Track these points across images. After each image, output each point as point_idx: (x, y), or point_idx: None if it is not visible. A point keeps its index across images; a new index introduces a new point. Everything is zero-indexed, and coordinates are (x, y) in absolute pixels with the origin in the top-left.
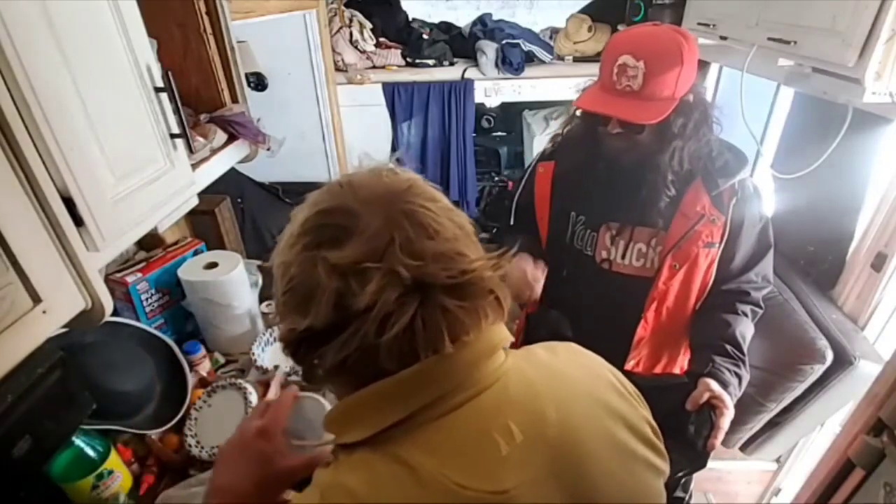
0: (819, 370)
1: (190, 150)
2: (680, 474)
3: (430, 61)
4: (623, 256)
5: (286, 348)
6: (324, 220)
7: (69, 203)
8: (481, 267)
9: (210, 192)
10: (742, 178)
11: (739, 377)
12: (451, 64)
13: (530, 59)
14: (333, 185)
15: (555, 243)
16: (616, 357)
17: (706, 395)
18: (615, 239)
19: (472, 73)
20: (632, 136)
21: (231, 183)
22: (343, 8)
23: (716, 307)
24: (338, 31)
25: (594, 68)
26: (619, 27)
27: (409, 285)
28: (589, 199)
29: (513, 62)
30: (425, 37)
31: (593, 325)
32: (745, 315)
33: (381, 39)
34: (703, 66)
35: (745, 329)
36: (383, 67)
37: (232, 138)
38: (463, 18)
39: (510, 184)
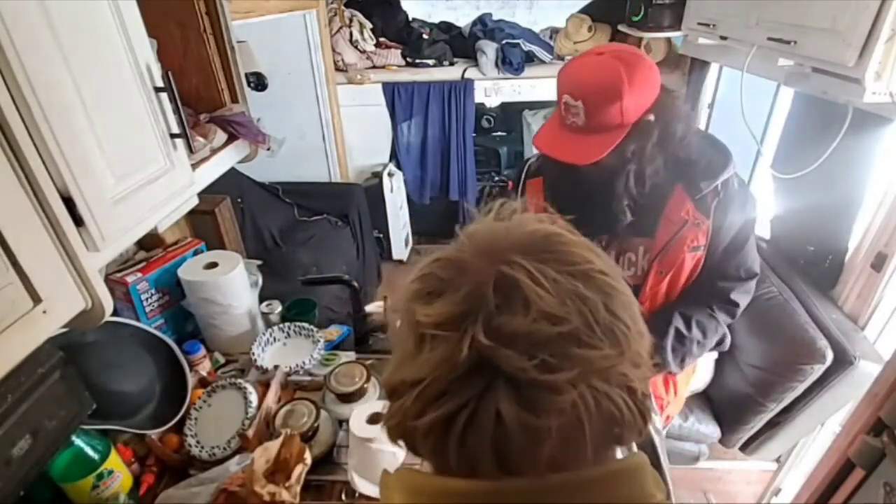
0: (819, 370)
1: (190, 150)
2: None
3: (430, 61)
4: (622, 266)
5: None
6: (432, 270)
7: (69, 203)
8: (593, 369)
9: (210, 192)
10: (725, 178)
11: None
12: (451, 64)
13: (530, 59)
14: (468, 228)
15: None
16: None
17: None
18: (606, 251)
19: (472, 73)
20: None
21: (231, 183)
22: (343, 8)
23: (686, 305)
24: (338, 31)
25: None
26: (620, 27)
27: (471, 366)
28: (577, 213)
29: (513, 62)
30: (425, 37)
31: None
32: (711, 310)
33: (381, 39)
34: (702, 66)
35: (703, 317)
36: (383, 67)
37: (232, 138)
38: (463, 18)
39: (510, 184)
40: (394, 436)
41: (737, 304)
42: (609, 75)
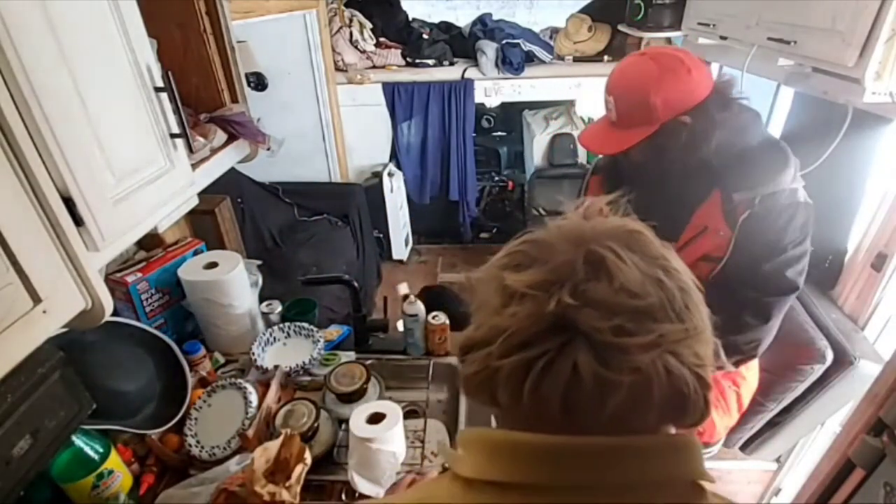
0: (819, 370)
1: (190, 150)
2: None
3: (430, 61)
4: None
5: (458, 353)
6: (522, 248)
7: (69, 203)
8: (664, 342)
9: (210, 192)
10: (769, 193)
11: None
12: (451, 64)
13: (530, 59)
14: (558, 218)
15: None
16: None
17: None
18: None
19: (472, 73)
20: (625, 157)
21: (231, 183)
22: (343, 8)
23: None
24: (338, 31)
25: (594, 68)
26: (620, 27)
27: (555, 322)
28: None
29: (513, 62)
30: (425, 37)
31: None
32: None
33: (381, 39)
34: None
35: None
36: (383, 67)
37: (232, 138)
38: (463, 18)
39: (510, 184)
40: (473, 383)
41: (767, 318)
42: (639, 74)
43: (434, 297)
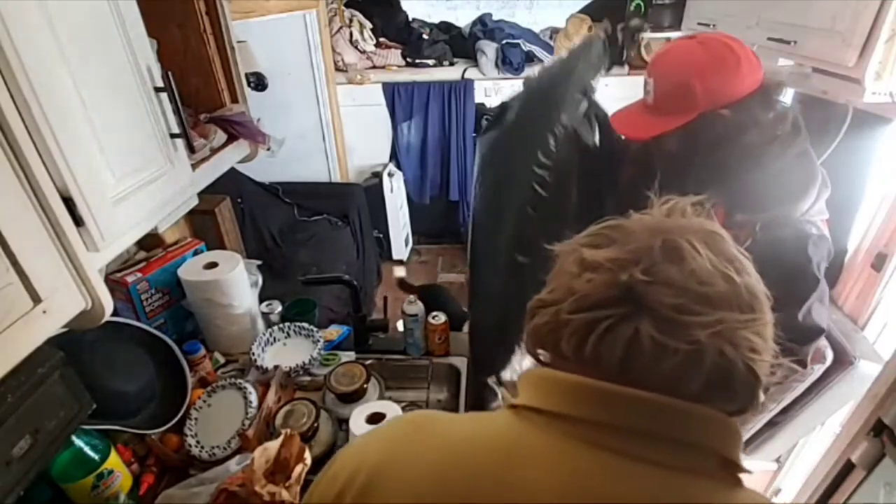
0: (819, 370)
1: (190, 150)
2: None
3: (430, 61)
4: None
5: (528, 311)
6: (604, 231)
7: (69, 203)
8: (722, 328)
9: (210, 192)
10: (772, 218)
11: None
12: (451, 64)
13: (530, 59)
14: (638, 214)
15: None
16: None
17: None
18: None
19: (472, 73)
20: (653, 145)
21: (231, 183)
22: (343, 8)
23: None
24: (338, 31)
25: None
26: (619, 27)
27: (624, 293)
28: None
29: (513, 62)
30: (425, 37)
31: None
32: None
33: (381, 39)
34: None
35: None
36: (383, 67)
37: (232, 138)
38: (463, 18)
39: None
40: (540, 333)
41: (804, 363)
42: (684, 57)
43: (430, 296)
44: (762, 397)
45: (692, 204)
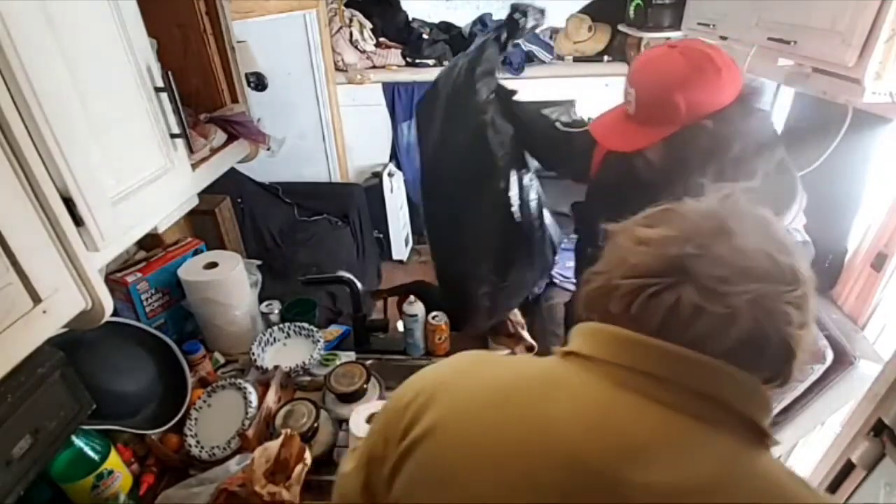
0: (819, 370)
1: (190, 150)
2: None
3: (430, 61)
4: None
5: (583, 279)
6: (658, 213)
7: (69, 203)
8: (760, 299)
9: (210, 192)
10: None
11: None
12: None
13: (530, 59)
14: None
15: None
16: None
17: None
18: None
19: None
20: (630, 156)
21: (231, 183)
22: (343, 8)
23: None
24: (338, 31)
25: (594, 68)
26: (620, 27)
27: (672, 265)
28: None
29: (513, 62)
30: (425, 37)
31: None
32: None
33: (381, 39)
34: None
35: None
36: (383, 67)
37: (232, 138)
38: (463, 18)
39: None
40: (592, 296)
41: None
42: (665, 68)
43: (413, 292)
44: (795, 372)
45: (744, 191)
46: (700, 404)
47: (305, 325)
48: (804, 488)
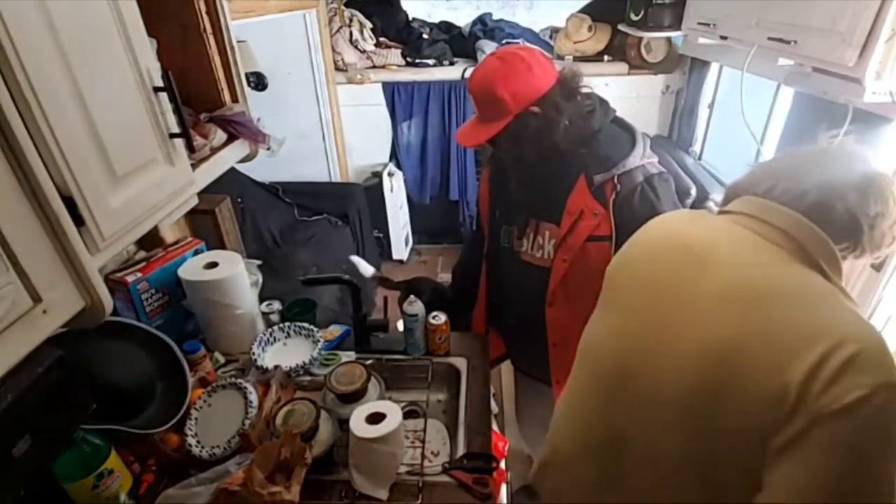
0: None
1: (190, 149)
2: None
3: (430, 61)
4: (532, 248)
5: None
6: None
7: (69, 203)
8: (829, 182)
9: (210, 192)
10: (625, 171)
11: None
12: (451, 64)
13: None
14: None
15: (491, 241)
16: (538, 342)
17: None
18: (525, 232)
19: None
20: (495, 151)
21: (231, 183)
22: (343, 8)
23: None
24: (338, 30)
25: (594, 68)
26: (620, 27)
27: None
28: (504, 198)
29: None
30: (425, 36)
31: (515, 312)
32: None
33: (381, 39)
34: (703, 65)
35: None
36: (383, 67)
37: (232, 138)
38: (463, 18)
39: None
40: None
41: None
42: (487, 71)
43: (412, 288)
44: (867, 246)
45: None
46: (784, 239)
47: (305, 324)
48: (859, 320)
